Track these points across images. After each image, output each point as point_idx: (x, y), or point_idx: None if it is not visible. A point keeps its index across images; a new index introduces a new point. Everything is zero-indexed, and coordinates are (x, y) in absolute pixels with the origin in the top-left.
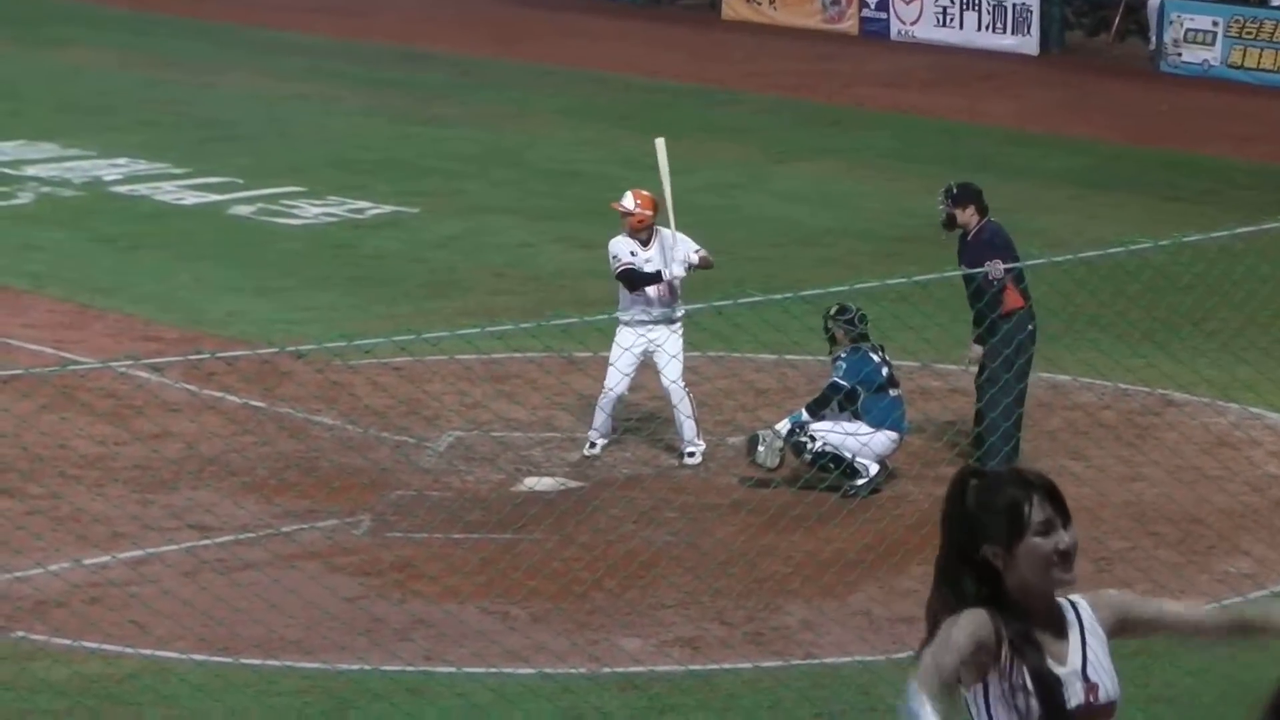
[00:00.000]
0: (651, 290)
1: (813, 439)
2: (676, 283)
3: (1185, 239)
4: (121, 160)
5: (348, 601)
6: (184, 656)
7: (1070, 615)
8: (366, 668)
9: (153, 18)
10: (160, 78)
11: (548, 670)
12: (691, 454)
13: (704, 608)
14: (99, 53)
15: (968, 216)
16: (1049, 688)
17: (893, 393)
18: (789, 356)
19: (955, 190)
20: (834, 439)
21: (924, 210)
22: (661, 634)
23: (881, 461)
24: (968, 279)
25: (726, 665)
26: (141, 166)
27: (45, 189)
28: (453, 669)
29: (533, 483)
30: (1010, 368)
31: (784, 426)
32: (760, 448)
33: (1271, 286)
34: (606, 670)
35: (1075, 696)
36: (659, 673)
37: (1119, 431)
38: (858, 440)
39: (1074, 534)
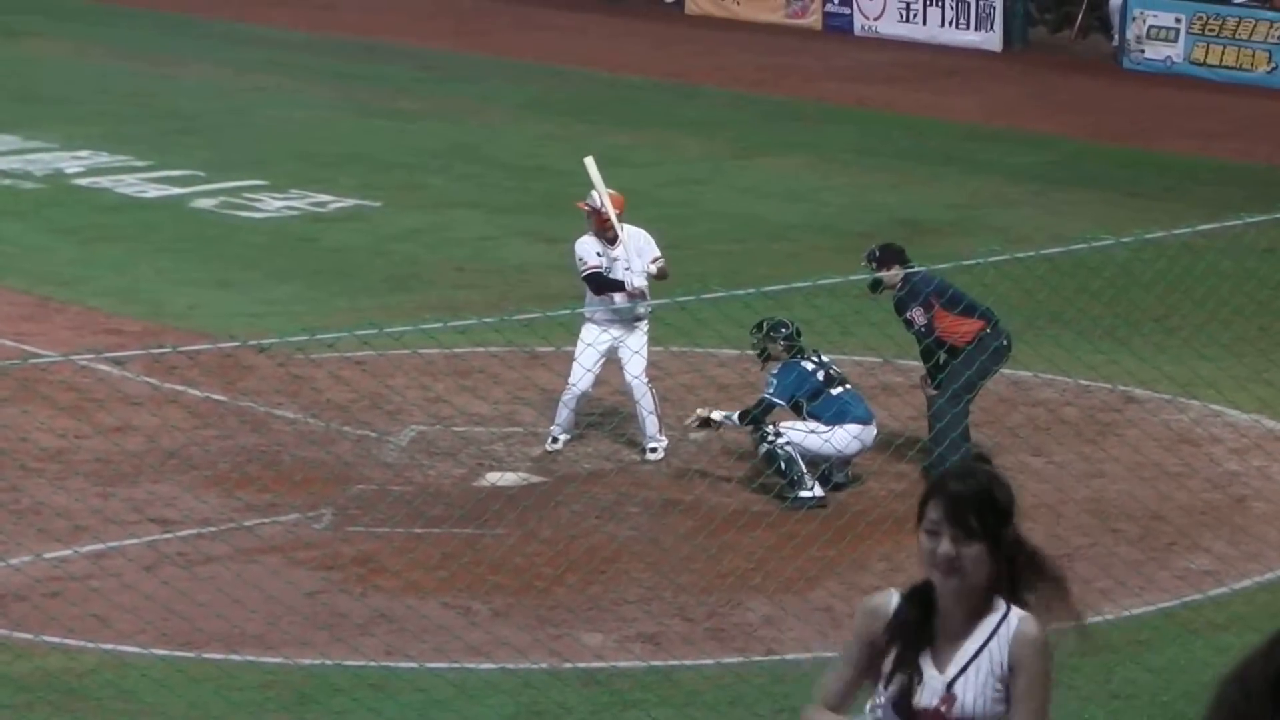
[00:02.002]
0: (618, 294)
1: (778, 434)
2: (643, 287)
3: (1148, 236)
4: (83, 153)
5: (309, 596)
6: (145, 651)
7: (990, 623)
8: (328, 662)
9: (113, 9)
10: (122, 69)
11: (509, 665)
12: (654, 449)
13: (666, 603)
14: (59, 44)
15: (894, 277)
16: (905, 677)
17: (835, 390)
18: (751, 352)
19: (878, 253)
20: (795, 436)
21: (887, 205)
22: (623, 629)
23: (832, 476)
24: (909, 330)
25: (688, 661)
26: (103, 159)
27: (6, 181)
28: (414, 664)
29: (495, 478)
30: (970, 388)
31: (717, 415)
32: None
33: (1233, 283)
34: (568, 665)
35: (926, 697)
36: (620, 668)
37: (1080, 428)
38: (819, 438)
39: (965, 549)
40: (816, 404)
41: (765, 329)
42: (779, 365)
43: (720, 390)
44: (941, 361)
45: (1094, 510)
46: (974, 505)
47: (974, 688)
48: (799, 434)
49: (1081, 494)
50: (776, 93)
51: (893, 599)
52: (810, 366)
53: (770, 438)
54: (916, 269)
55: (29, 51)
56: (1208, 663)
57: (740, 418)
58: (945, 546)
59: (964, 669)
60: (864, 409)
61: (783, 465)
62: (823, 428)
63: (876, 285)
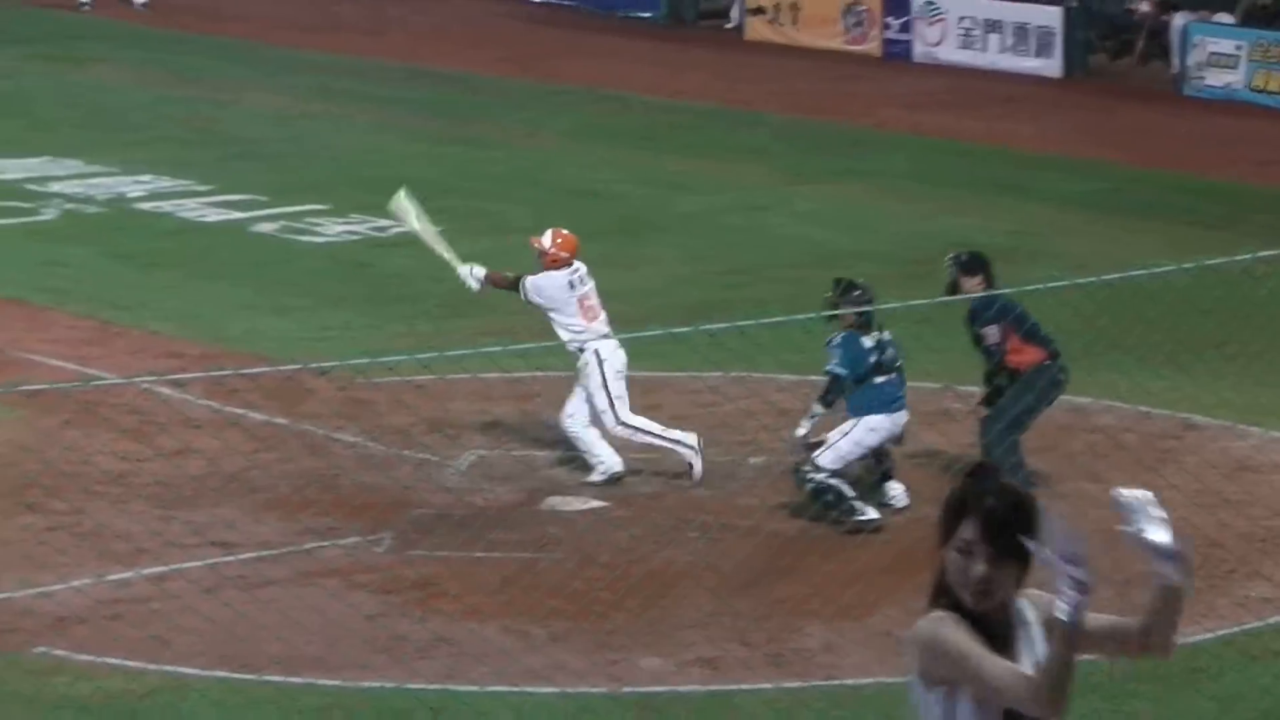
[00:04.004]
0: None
1: (817, 469)
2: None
3: (1208, 262)
4: (145, 177)
5: (369, 619)
6: (205, 673)
7: (1022, 615)
8: (387, 685)
9: (174, 35)
10: (183, 95)
11: (568, 689)
12: (690, 465)
13: (724, 628)
14: (122, 70)
15: (973, 285)
16: None
17: (878, 379)
18: (811, 376)
19: (965, 258)
20: (826, 460)
21: (944, 232)
22: (682, 654)
23: (884, 501)
24: (976, 345)
25: (747, 686)
26: (165, 184)
27: (69, 205)
28: (473, 687)
29: (555, 502)
30: (1028, 411)
31: (803, 430)
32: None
33: None
34: (626, 690)
35: None
36: (679, 693)
37: (1140, 455)
38: (846, 443)
39: (999, 570)
40: (853, 388)
41: (842, 286)
42: (840, 335)
43: (780, 415)
44: (1002, 386)
45: None
46: (1011, 523)
47: None
48: (829, 456)
49: None
50: (835, 119)
51: (948, 619)
52: (869, 344)
53: (809, 476)
54: (1000, 291)
55: (92, 77)
56: (1268, 690)
57: (822, 403)
58: (980, 569)
59: (1035, 658)
60: (893, 399)
61: (831, 499)
62: (845, 427)
63: (954, 289)
